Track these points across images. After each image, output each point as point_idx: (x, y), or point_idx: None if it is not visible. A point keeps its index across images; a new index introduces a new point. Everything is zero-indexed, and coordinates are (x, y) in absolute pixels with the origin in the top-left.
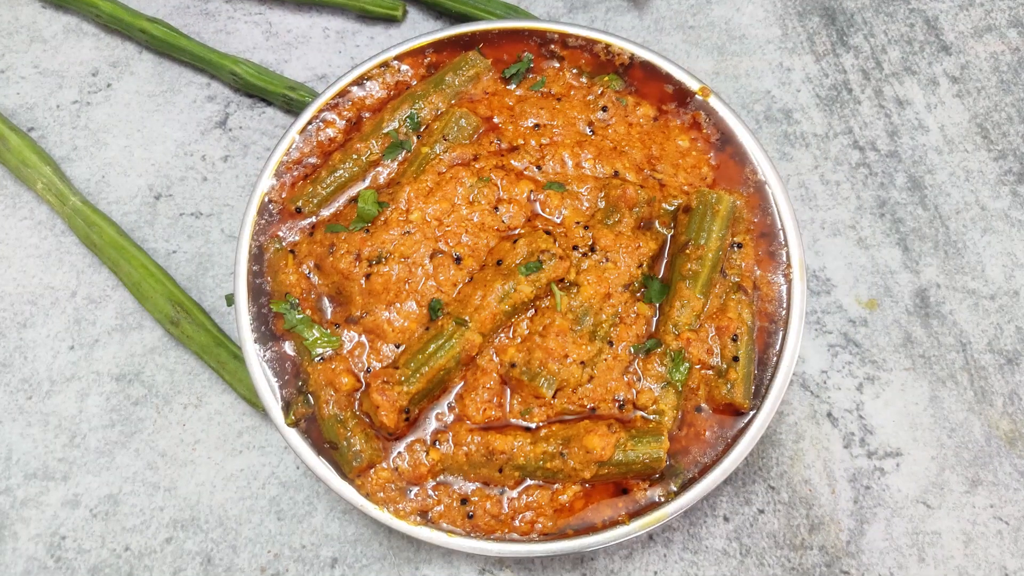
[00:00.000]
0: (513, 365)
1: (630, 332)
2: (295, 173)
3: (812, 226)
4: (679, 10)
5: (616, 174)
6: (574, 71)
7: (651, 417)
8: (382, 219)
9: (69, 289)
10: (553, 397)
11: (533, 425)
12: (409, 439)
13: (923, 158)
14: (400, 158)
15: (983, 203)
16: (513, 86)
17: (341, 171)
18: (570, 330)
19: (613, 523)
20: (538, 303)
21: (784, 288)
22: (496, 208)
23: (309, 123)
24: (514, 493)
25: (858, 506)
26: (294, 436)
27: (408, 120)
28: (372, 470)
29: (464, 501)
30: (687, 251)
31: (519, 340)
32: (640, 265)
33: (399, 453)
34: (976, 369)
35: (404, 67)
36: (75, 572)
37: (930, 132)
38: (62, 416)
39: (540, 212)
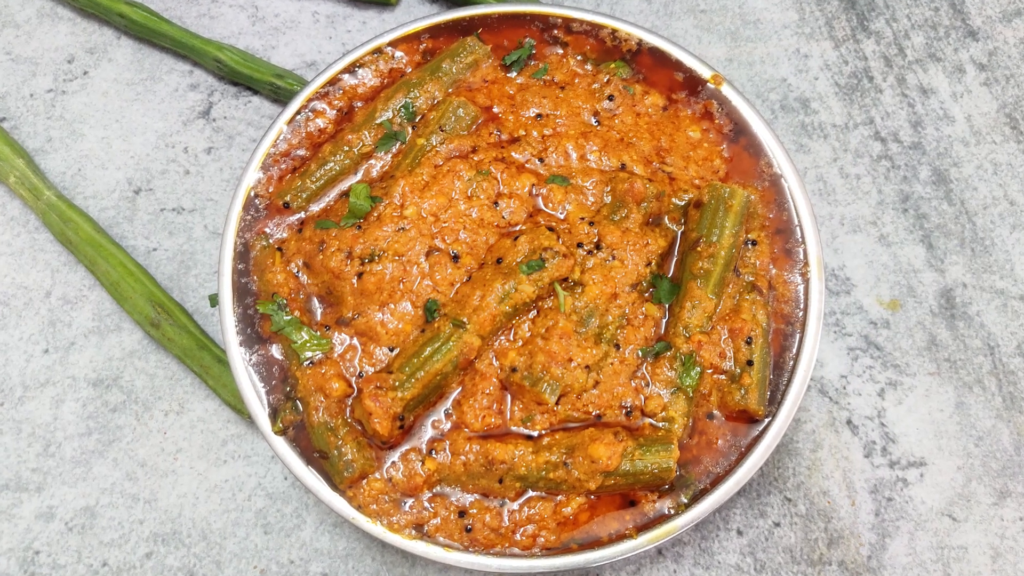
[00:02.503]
0: (514, 369)
1: (638, 334)
2: (283, 166)
3: (831, 222)
4: None
5: (623, 167)
6: (578, 58)
7: (660, 425)
8: (375, 215)
9: (43, 289)
10: (556, 403)
11: (535, 433)
12: (404, 448)
13: (948, 150)
14: (394, 150)
15: (1012, 198)
16: (514, 74)
17: (331, 164)
18: (574, 332)
19: (620, 537)
20: (540, 304)
21: (801, 288)
22: (496, 203)
23: (298, 113)
24: (515, 505)
25: (880, 519)
26: (282, 445)
27: (403, 110)
28: (364, 481)
29: (462, 514)
30: (698, 248)
31: (520, 343)
32: (648, 263)
33: (393, 463)
34: (1005, 373)
35: (398, 53)
36: None
37: (956, 122)
38: (36, 423)
39: (542, 207)
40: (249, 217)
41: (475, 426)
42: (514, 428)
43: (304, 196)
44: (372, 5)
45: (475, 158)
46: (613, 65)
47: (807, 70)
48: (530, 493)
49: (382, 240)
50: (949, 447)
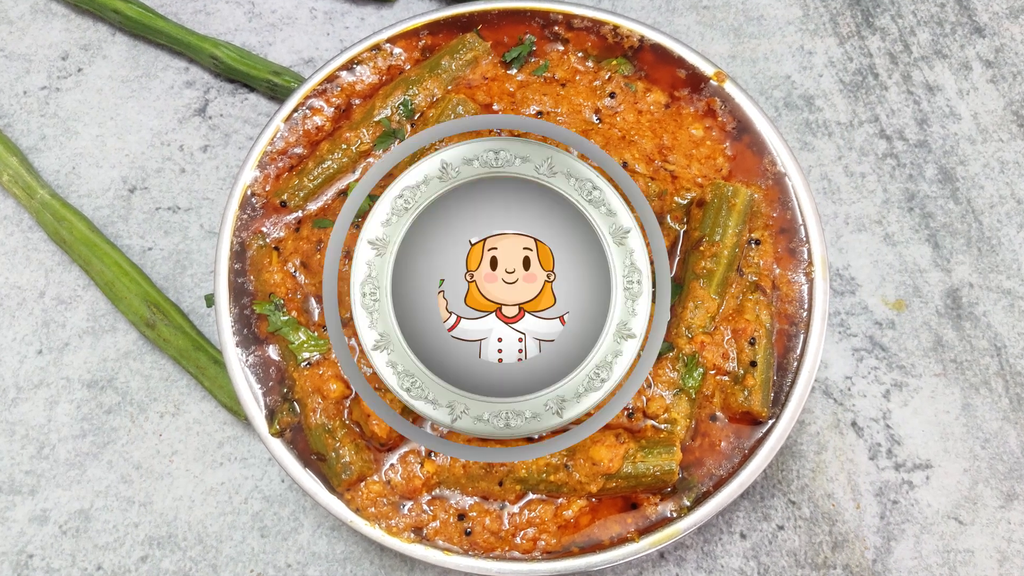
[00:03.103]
0: None
1: None
2: (280, 164)
3: (835, 221)
4: None
5: (625, 165)
6: (579, 54)
7: (662, 426)
8: None
9: (37, 289)
10: None
11: (535, 435)
12: (402, 450)
13: (955, 148)
14: (393, 148)
15: (1019, 196)
16: (514, 71)
17: (329, 162)
18: None
19: (621, 540)
20: None
21: (805, 288)
22: None
23: (295, 110)
24: (515, 508)
25: (885, 522)
26: (279, 447)
27: (401, 107)
28: (362, 483)
29: (461, 517)
30: (701, 248)
31: None
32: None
33: (392, 465)
34: (1012, 375)
35: (397, 50)
36: None
37: (962, 120)
38: (29, 425)
39: None
40: (246, 216)
41: None
42: None
43: (301, 195)
44: (370, 1)
45: None
46: (615, 62)
47: (811, 67)
48: (530, 496)
49: None
50: (955, 449)
